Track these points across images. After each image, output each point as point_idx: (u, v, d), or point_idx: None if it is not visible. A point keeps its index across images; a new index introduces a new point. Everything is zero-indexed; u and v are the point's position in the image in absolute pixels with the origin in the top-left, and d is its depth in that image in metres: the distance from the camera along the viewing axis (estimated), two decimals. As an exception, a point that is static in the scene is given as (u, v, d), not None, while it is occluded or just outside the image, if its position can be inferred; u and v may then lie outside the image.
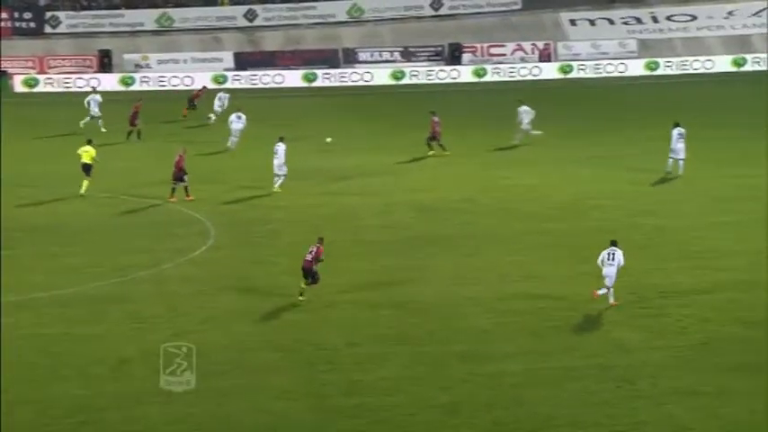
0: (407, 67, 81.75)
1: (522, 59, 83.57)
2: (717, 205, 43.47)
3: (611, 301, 32.19)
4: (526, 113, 55.44)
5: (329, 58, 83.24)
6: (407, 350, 29.22)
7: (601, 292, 32.21)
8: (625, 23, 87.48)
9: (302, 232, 40.39)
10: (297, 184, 46.72)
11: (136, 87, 78.30)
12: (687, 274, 35.21)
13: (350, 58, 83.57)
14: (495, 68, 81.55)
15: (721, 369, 27.80)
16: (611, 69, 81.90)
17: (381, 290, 34.06)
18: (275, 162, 46.10)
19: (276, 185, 46.25)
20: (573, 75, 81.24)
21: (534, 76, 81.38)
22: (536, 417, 25.47)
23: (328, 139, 53.01)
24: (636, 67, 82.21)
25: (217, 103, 63.71)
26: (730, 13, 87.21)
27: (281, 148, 46.11)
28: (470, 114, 55.13)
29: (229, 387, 26.97)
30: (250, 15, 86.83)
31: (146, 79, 79.51)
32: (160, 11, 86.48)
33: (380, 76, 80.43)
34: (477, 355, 28.94)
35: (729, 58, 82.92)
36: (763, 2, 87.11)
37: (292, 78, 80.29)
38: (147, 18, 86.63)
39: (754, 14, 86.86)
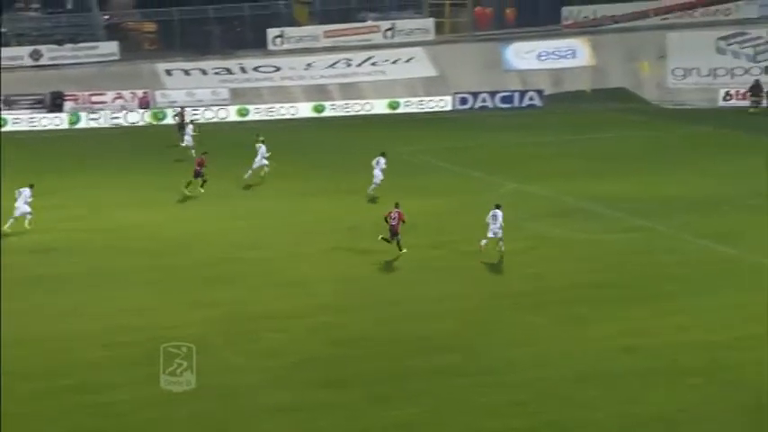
0: (10, 115, 78.61)
1: (123, 107, 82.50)
2: (305, 237, 44.63)
3: (502, 248, 39.35)
4: (261, 150, 55.70)
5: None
6: (24, 386, 28.28)
7: (483, 242, 39.41)
8: (217, 73, 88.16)
9: None
10: None
11: None
12: (281, 301, 35.89)
13: (-49, 106, 79.30)
14: (92, 117, 79.96)
15: (314, 385, 28.58)
16: (210, 115, 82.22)
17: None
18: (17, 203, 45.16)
19: (26, 223, 45.03)
20: (168, 121, 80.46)
21: (134, 122, 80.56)
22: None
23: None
24: (229, 113, 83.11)
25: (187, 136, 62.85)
26: (309, 64, 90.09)
27: (25, 192, 45.29)
28: (80, 158, 53.80)
29: None
30: None
31: None
32: None
33: (-18, 123, 76.68)
34: (87, 386, 28.40)
35: (311, 104, 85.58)
36: (337, 55, 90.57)
37: None
38: None
39: (329, 66, 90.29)
